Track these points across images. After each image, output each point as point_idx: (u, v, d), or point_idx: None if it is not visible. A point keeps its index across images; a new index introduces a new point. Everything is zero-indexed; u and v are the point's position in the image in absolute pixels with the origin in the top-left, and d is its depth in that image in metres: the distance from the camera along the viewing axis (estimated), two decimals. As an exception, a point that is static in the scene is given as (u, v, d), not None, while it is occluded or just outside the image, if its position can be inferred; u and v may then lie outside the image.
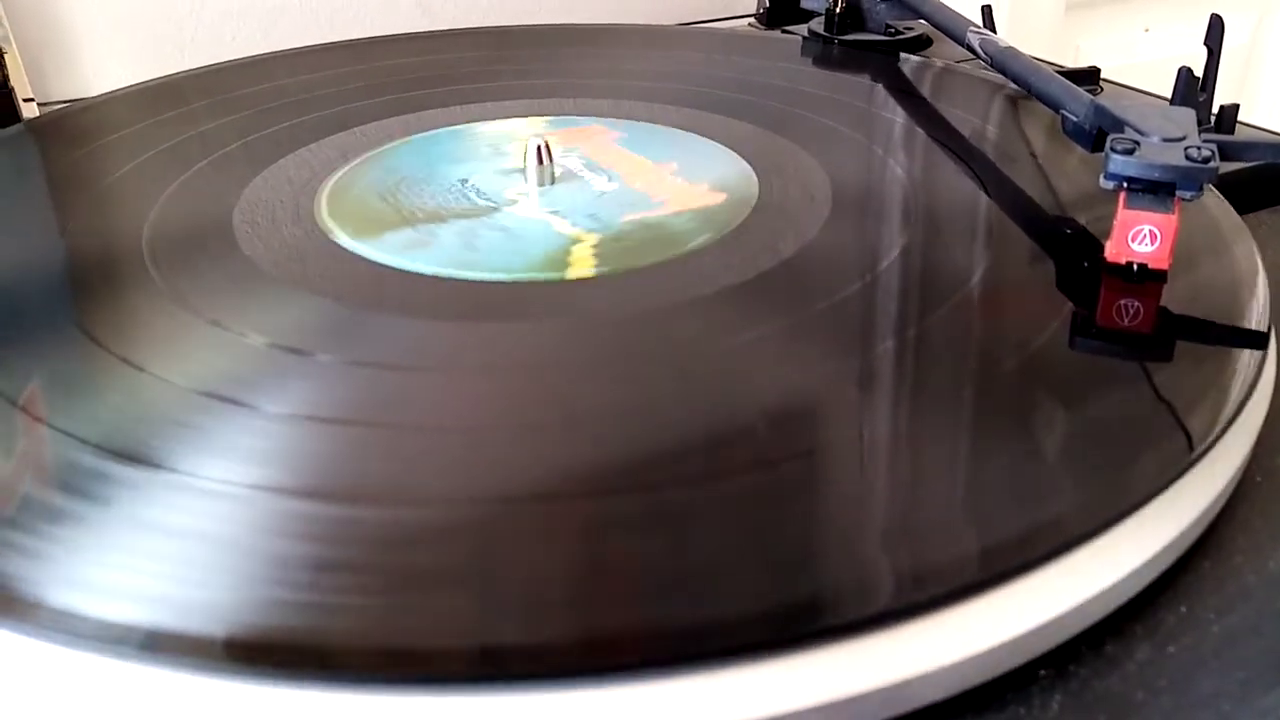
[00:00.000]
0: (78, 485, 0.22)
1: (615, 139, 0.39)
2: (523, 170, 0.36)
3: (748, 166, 0.36)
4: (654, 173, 0.36)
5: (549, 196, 0.35)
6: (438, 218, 0.33)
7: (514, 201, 0.35)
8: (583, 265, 0.30)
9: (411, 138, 0.39)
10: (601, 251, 0.31)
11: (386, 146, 0.39)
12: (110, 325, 0.28)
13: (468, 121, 0.41)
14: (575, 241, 0.32)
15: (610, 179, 0.36)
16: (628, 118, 0.41)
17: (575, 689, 0.17)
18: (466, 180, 0.36)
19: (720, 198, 0.34)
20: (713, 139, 0.39)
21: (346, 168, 0.37)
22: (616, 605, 0.19)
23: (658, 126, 0.40)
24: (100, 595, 0.19)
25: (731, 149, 0.38)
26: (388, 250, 0.31)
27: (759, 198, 0.34)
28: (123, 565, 0.20)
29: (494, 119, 0.41)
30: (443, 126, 0.41)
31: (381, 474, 0.22)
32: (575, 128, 0.41)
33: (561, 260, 0.30)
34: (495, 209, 0.34)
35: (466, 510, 0.21)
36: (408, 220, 0.33)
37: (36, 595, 0.19)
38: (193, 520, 0.21)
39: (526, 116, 0.42)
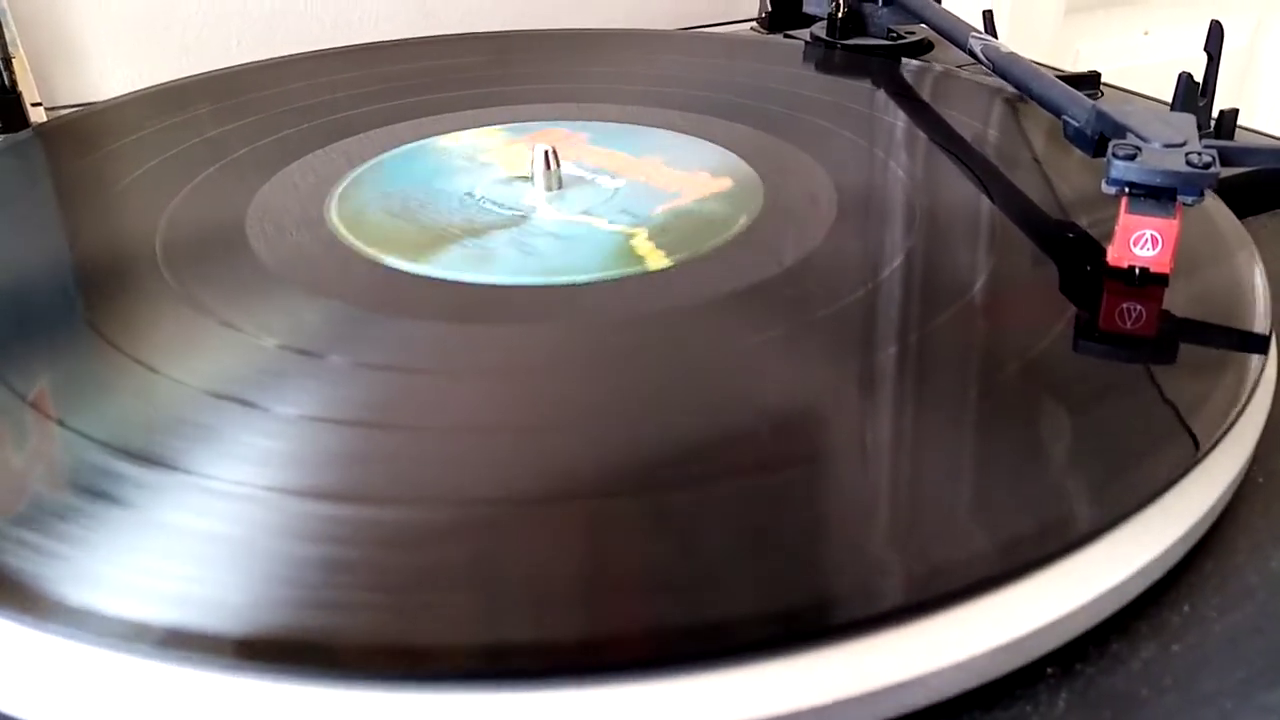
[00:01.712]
0: (92, 485, 0.22)
1: (585, 140, 0.40)
2: (528, 177, 0.36)
3: (726, 152, 0.37)
4: (647, 167, 0.37)
5: (567, 200, 0.35)
6: (474, 231, 0.33)
7: (534, 208, 0.35)
8: (655, 257, 0.31)
9: (381, 158, 0.39)
10: (661, 242, 0.32)
11: (361, 168, 0.38)
12: (125, 327, 0.28)
13: (476, 126, 0.41)
14: (630, 236, 0.32)
15: (613, 177, 0.36)
16: (632, 122, 0.42)
17: (583, 687, 0.18)
18: (473, 193, 0.36)
19: (726, 182, 0.34)
20: (715, 142, 0.39)
21: (352, 175, 0.37)
22: (624, 605, 0.19)
23: (617, 125, 0.41)
24: (114, 593, 0.19)
25: (734, 152, 0.38)
26: (452, 269, 0.30)
27: (763, 203, 0.34)
28: (137, 565, 0.20)
29: (450, 131, 0.41)
30: (445, 132, 0.41)
31: (392, 475, 0.23)
32: (537, 132, 0.41)
33: (629, 255, 0.31)
34: (524, 216, 0.34)
35: (476, 511, 0.22)
36: (448, 237, 0.32)
37: (52, 593, 0.19)
38: (206, 520, 0.21)
39: (480, 127, 0.41)
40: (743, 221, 0.33)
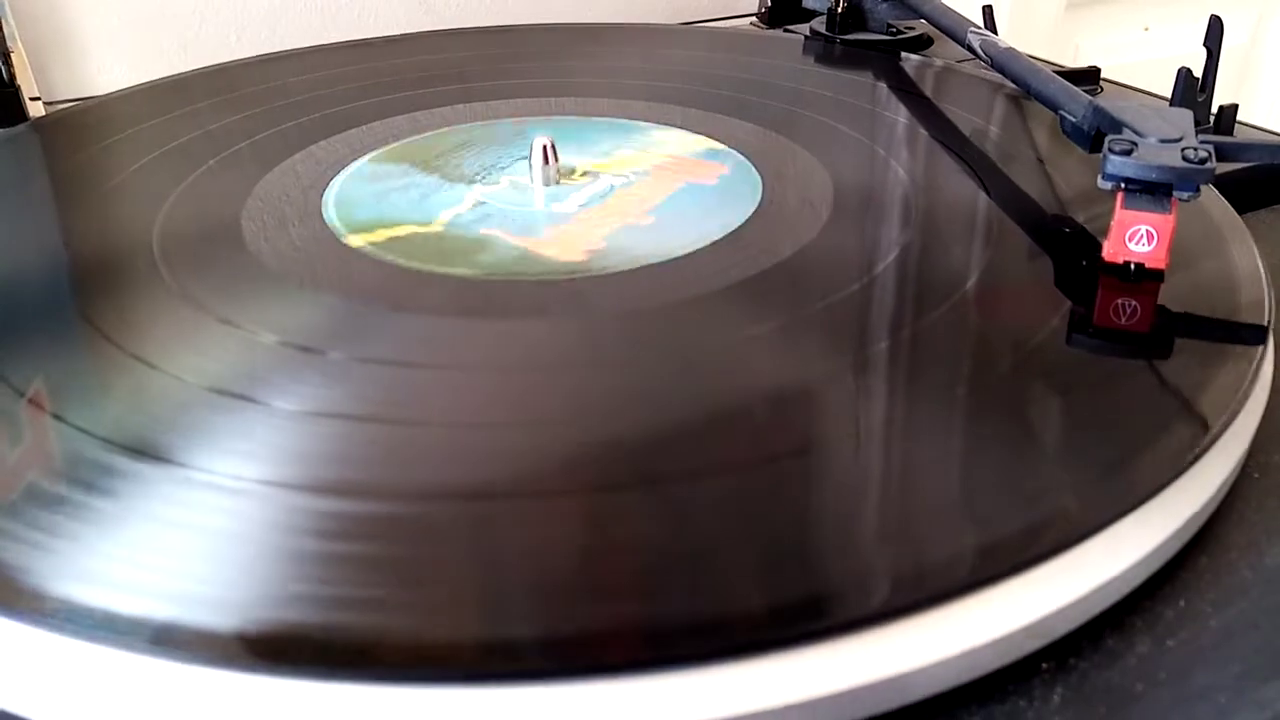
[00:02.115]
0: (89, 481, 0.22)
1: (688, 183, 0.38)
2: (529, 176, 0.36)
3: (755, 195, 0.35)
4: (622, 217, 0.35)
5: (522, 194, 0.35)
6: (429, 168, 0.34)
7: (497, 184, 0.35)
8: (367, 238, 0.32)
9: (334, 184, 0.36)
10: (404, 240, 0.32)
11: (358, 162, 0.37)
12: (122, 323, 0.28)
13: (471, 121, 0.41)
14: (418, 223, 0.33)
15: (585, 204, 0.35)
16: (628, 116, 0.42)
17: (579, 684, 0.18)
18: (484, 202, 0.35)
19: (582, 256, 0.31)
20: (714, 138, 0.39)
21: (350, 169, 0.37)
22: (617, 602, 0.19)
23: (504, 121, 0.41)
24: (111, 589, 0.19)
25: (733, 148, 0.38)
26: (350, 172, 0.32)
27: (761, 197, 0.34)
28: (134, 560, 0.20)
29: (376, 147, 0.39)
30: (447, 126, 0.41)
31: (391, 470, 0.23)
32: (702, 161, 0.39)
33: (365, 227, 0.32)
34: (463, 181, 0.35)
35: (475, 506, 0.22)
36: (423, 162, 0.33)
37: (45, 588, 0.19)
38: (203, 516, 0.21)
39: (397, 141, 0.40)
40: (740, 215, 0.32)
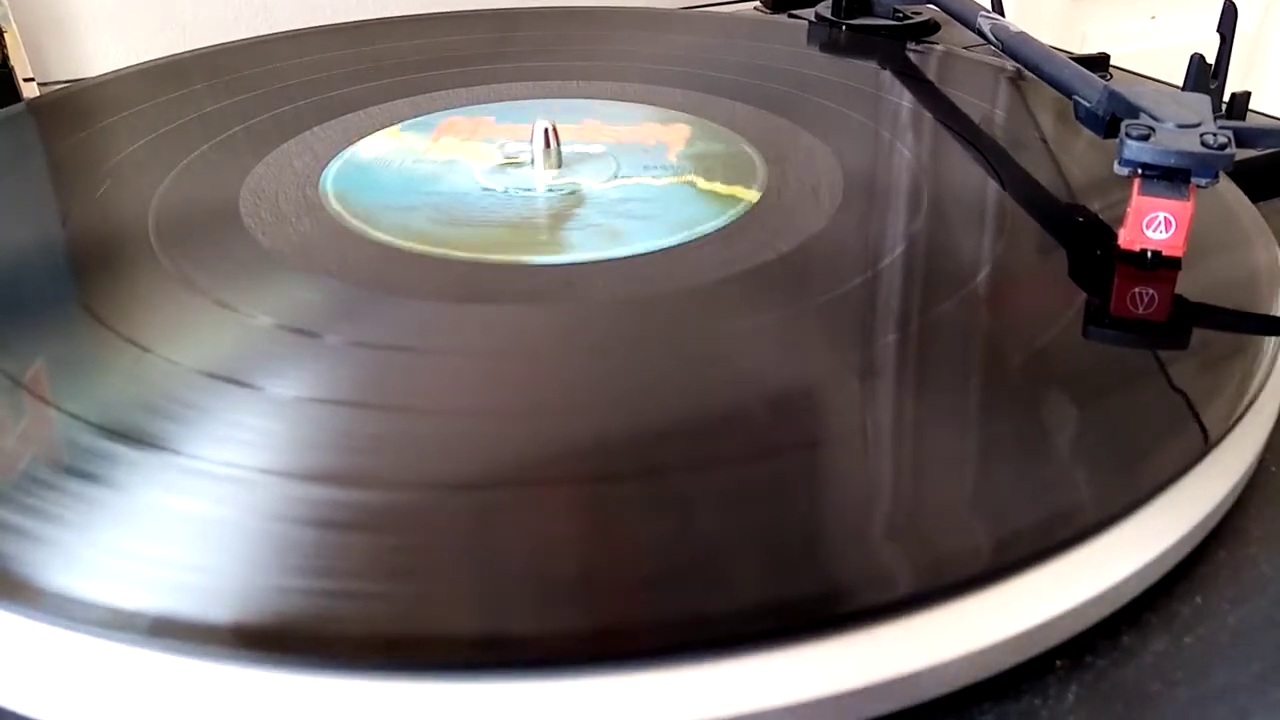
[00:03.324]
0: (82, 467, 0.21)
1: (492, 122, 0.39)
2: (518, 161, 0.35)
3: (759, 180, 0.34)
4: (605, 129, 0.37)
5: (586, 170, 0.35)
6: (560, 221, 0.32)
7: (578, 186, 0.34)
8: (739, 191, 0.32)
9: (331, 167, 0.35)
10: (722, 176, 0.33)
11: (355, 145, 0.37)
12: (116, 306, 0.27)
13: (471, 104, 0.41)
14: (690, 182, 0.33)
15: (589, 146, 0.36)
16: (631, 100, 0.41)
17: (583, 677, 0.17)
18: (492, 189, 0.34)
19: (686, 129, 0.34)
20: (715, 122, 0.39)
21: (347, 152, 0.36)
22: (622, 595, 0.19)
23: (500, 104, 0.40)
24: (104, 578, 0.19)
25: (737, 133, 0.37)
26: (579, 254, 0.30)
27: (766, 185, 0.33)
28: (127, 549, 0.20)
29: (444, 108, 0.40)
30: (447, 109, 0.40)
31: (390, 458, 0.22)
32: (444, 122, 0.39)
33: (712, 196, 0.32)
34: (584, 197, 0.33)
35: (473, 495, 0.21)
36: (538, 232, 0.31)
37: (40, 578, 0.19)
38: (199, 503, 0.21)
39: (385, 127, 0.39)
40: (744, 203, 0.32)
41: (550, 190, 0.34)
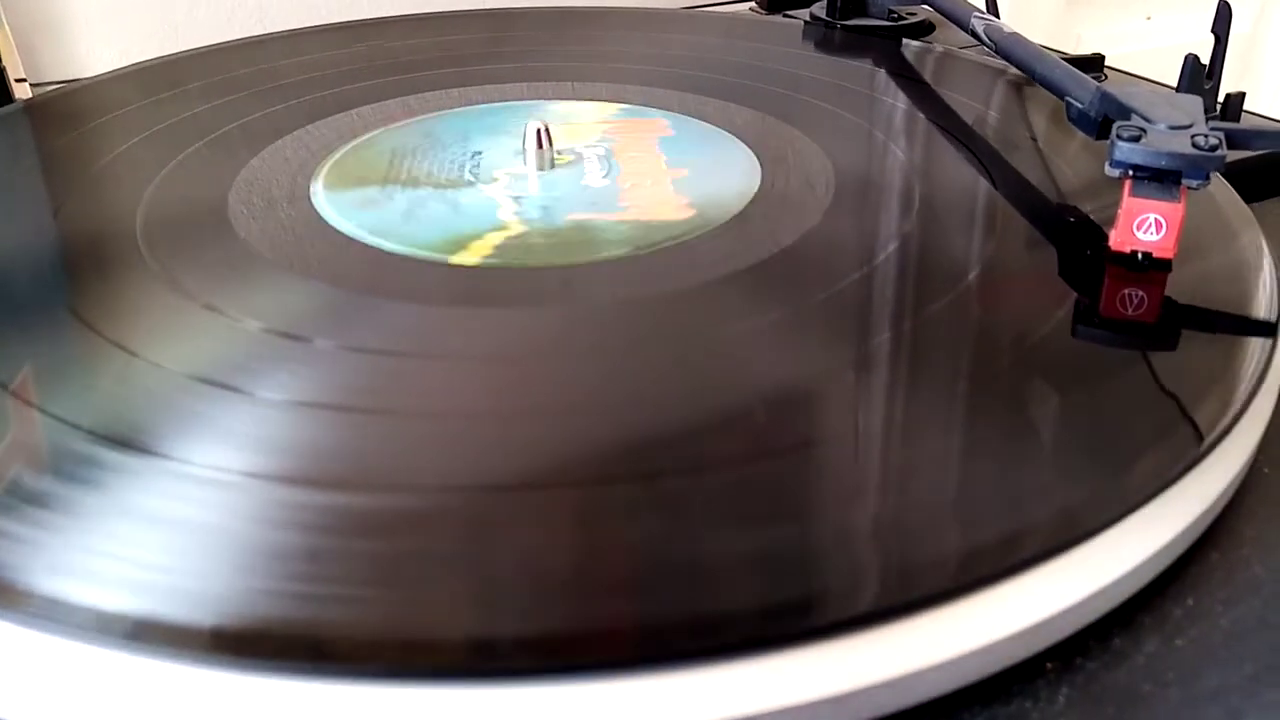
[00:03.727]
0: (68, 471, 0.21)
1: (658, 137, 0.38)
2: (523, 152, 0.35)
3: (754, 180, 0.34)
4: (655, 176, 0.35)
5: (533, 180, 0.34)
6: (414, 182, 0.34)
7: (495, 180, 0.34)
8: (474, 254, 0.30)
9: (480, 106, 0.40)
10: (511, 245, 0.30)
11: (348, 146, 0.37)
12: (103, 309, 0.27)
13: (466, 105, 0.41)
14: (499, 229, 0.31)
15: (607, 175, 0.35)
16: (627, 100, 0.41)
17: (571, 683, 0.17)
18: (480, 153, 0.36)
19: (688, 213, 0.32)
20: (713, 124, 0.38)
21: (339, 153, 0.36)
22: (610, 600, 0.19)
23: (710, 127, 0.39)
24: (89, 582, 0.19)
25: (733, 134, 0.37)
26: (345, 205, 0.32)
27: (760, 184, 0.33)
28: (113, 552, 0.19)
29: (567, 100, 0.41)
30: (447, 109, 0.40)
31: (378, 461, 0.22)
32: (638, 119, 0.39)
33: (457, 245, 0.30)
34: (470, 184, 0.34)
35: (463, 499, 0.21)
36: (387, 179, 0.34)
37: (24, 582, 0.19)
38: (186, 507, 0.20)
39: (599, 101, 0.41)
40: (611, 253, 0.30)
41: (543, 191, 0.34)
